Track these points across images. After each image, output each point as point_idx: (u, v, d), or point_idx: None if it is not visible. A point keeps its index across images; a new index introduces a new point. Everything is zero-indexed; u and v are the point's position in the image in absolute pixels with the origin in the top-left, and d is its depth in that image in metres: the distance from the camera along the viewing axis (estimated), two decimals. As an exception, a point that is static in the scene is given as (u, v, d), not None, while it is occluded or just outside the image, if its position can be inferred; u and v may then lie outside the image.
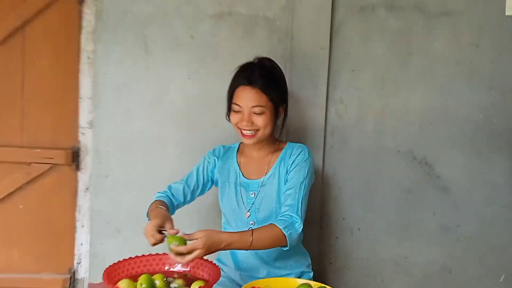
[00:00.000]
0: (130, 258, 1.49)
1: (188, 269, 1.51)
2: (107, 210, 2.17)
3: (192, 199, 1.81)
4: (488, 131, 2.15)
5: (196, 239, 1.38)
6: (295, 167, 1.66)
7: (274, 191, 1.68)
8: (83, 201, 2.23)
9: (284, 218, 1.56)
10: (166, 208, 1.64)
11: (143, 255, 1.52)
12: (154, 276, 1.41)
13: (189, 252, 1.37)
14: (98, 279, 2.20)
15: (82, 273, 2.26)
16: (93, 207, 2.18)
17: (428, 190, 2.17)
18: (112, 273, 1.41)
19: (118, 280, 1.39)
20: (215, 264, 1.47)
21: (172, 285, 1.41)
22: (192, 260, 1.38)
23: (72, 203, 2.23)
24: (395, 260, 2.20)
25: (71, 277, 2.24)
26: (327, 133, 2.15)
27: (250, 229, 1.54)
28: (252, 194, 1.71)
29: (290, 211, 1.57)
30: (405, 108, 2.15)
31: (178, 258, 1.38)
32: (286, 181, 1.67)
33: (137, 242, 2.12)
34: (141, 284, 1.35)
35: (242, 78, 1.65)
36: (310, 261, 1.83)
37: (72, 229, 2.24)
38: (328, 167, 2.17)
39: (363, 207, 2.18)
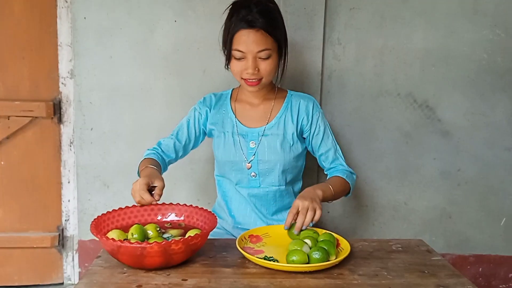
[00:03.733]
0: (119, 208, 1.38)
1: (182, 218, 1.41)
2: (93, 164, 2.07)
3: (185, 154, 1.69)
4: (492, 71, 2.06)
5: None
6: (316, 125, 1.59)
7: (279, 141, 1.56)
8: (68, 155, 2.12)
9: (342, 169, 1.60)
10: (157, 166, 1.51)
11: (133, 206, 1.41)
12: (146, 226, 1.31)
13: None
14: (88, 236, 2.12)
15: (71, 230, 2.17)
16: (78, 161, 2.07)
17: (429, 134, 2.09)
18: (101, 225, 1.31)
19: (107, 232, 1.29)
20: (210, 211, 1.37)
21: (166, 235, 1.32)
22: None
23: (57, 158, 2.11)
24: (394, 206, 2.14)
25: (59, 234, 2.15)
26: (324, 77, 2.04)
27: (327, 180, 1.56)
28: (252, 143, 1.57)
29: (341, 163, 1.62)
30: (405, 48, 2.03)
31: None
32: (298, 134, 1.59)
33: (127, 197, 2.03)
34: (132, 234, 1.26)
35: (239, 21, 1.45)
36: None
37: (58, 185, 2.13)
38: (326, 113, 2.06)
39: (362, 153, 2.10)
